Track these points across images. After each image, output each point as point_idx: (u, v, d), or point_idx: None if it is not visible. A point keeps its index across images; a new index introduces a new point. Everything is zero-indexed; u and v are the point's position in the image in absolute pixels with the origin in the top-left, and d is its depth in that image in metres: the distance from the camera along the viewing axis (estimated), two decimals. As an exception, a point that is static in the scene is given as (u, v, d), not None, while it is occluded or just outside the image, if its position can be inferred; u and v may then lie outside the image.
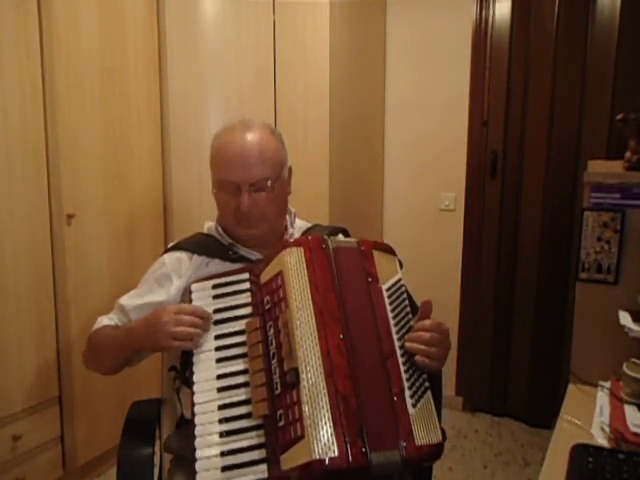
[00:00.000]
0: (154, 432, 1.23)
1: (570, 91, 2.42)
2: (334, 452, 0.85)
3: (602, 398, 1.32)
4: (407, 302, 1.11)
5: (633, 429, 1.14)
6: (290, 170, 1.31)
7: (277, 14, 2.35)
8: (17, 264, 1.87)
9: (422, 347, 1.01)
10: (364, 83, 2.69)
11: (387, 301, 1.06)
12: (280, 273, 1.02)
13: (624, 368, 1.30)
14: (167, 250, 1.30)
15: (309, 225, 1.38)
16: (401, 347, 1.02)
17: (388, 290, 1.08)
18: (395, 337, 1.02)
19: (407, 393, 0.96)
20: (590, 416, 1.26)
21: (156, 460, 1.19)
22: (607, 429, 1.19)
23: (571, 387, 1.43)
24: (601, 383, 1.38)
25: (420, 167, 2.88)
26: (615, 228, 1.42)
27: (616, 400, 1.28)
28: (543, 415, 2.56)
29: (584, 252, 1.47)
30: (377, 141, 2.90)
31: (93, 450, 2.15)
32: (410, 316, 1.08)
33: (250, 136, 1.20)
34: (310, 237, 1.09)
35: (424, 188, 2.88)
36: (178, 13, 2.28)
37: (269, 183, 1.19)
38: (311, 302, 0.98)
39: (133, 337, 1.14)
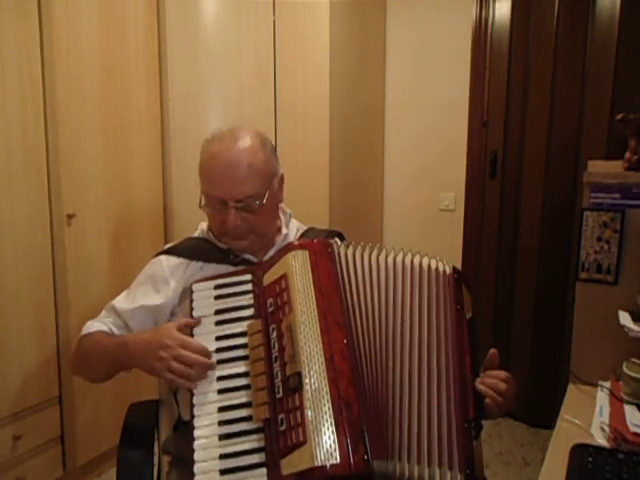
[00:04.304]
0: (152, 434, 1.23)
1: (570, 91, 2.42)
2: (336, 459, 0.84)
3: (602, 398, 1.32)
4: (476, 340, 1.11)
5: (633, 429, 1.14)
6: (282, 178, 1.26)
7: (277, 14, 2.36)
8: (17, 264, 1.87)
9: (494, 394, 1.02)
10: (364, 83, 2.69)
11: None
12: (284, 276, 1.01)
13: (624, 368, 1.30)
14: (160, 253, 1.27)
15: (305, 228, 1.36)
16: (473, 380, 1.02)
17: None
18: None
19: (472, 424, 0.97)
20: (590, 416, 1.26)
21: (155, 461, 1.19)
22: (607, 429, 1.19)
23: (571, 387, 1.43)
24: (601, 383, 1.38)
25: (420, 167, 2.88)
26: (615, 228, 1.42)
27: (616, 400, 1.28)
28: (543, 415, 2.55)
29: (584, 252, 1.47)
30: (377, 141, 2.91)
31: (93, 450, 2.15)
32: (478, 355, 1.08)
33: (238, 148, 1.15)
34: (315, 240, 1.07)
35: (424, 188, 2.89)
36: (178, 13, 2.28)
37: (257, 202, 1.15)
38: (315, 306, 0.97)
39: (128, 354, 1.08)
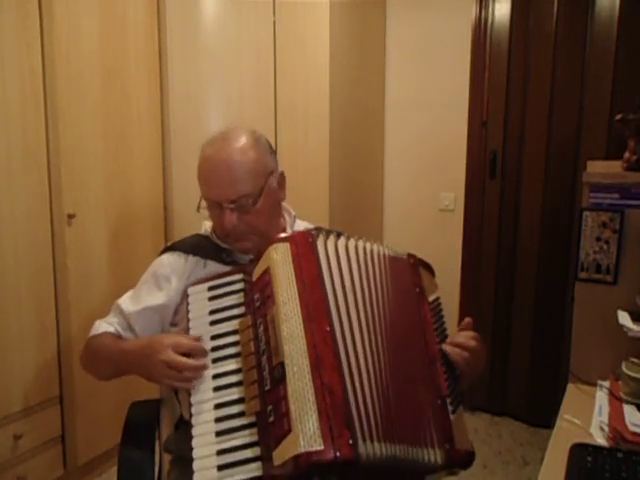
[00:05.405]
0: (153, 432, 1.23)
1: (569, 91, 2.42)
2: (320, 444, 0.84)
3: (601, 397, 1.33)
4: (444, 320, 1.14)
5: (632, 428, 1.14)
6: (282, 175, 1.26)
7: (277, 14, 2.36)
8: (18, 264, 1.87)
9: (461, 351, 1.06)
10: (364, 83, 2.70)
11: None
12: (267, 270, 1.02)
13: (623, 367, 1.30)
14: (163, 251, 1.29)
15: (312, 227, 1.37)
16: (442, 357, 1.05)
17: (430, 304, 1.12)
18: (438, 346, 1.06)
19: (448, 400, 1.00)
20: (589, 415, 1.26)
21: (156, 460, 1.19)
22: (606, 428, 1.19)
23: (570, 386, 1.44)
24: (600, 382, 1.38)
25: (420, 167, 2.89)
26: (614, 228, 1.43)
27: (615, 399, 1.28)
28: (542, 414, 2.56)
29: (583, 252, 1.47)
30: (377, 141, 2.91)
31: (94, 449, 2.16)
32: (447, 333, 1.12)
33: (229, 149, 1.16)
34: (297, 232, 1.09)
35: (424, 188, 2.89)
36: (178, 14, 2.28)
37: (251, 201, 1.16)
38: (297, 296, 0.97)
39: (127, 362, 1.12)
